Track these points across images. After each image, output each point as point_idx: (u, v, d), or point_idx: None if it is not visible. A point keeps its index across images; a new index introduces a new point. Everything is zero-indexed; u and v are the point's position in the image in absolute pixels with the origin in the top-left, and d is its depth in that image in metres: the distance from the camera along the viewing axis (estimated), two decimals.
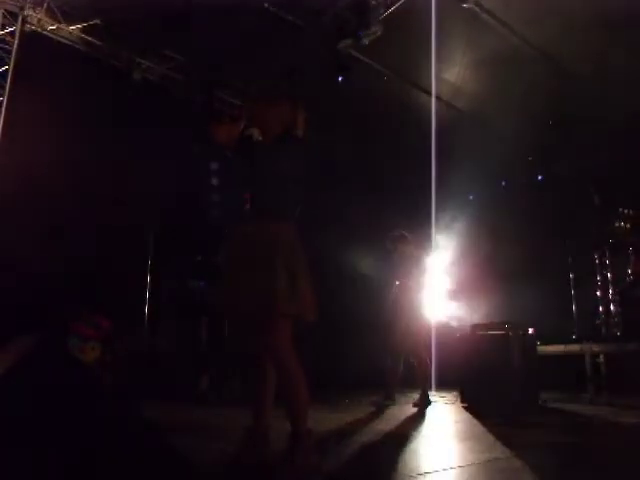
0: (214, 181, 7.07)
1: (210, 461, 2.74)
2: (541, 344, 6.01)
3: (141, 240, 6.82)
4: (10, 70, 5.93)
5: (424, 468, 2.73)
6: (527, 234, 8.31)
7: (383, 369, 5.77)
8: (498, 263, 8.34)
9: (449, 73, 6.98)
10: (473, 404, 5.27)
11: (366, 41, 5.96)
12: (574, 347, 6.47)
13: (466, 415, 4.88)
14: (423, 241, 6.57)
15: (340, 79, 6.74)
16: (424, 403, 5.41)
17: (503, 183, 9.20)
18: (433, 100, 6.94)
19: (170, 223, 6.92)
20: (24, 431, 1.76)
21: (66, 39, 6.48)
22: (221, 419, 4.56)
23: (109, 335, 5.86)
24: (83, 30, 6.49)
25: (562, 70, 6.80)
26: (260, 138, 2.80)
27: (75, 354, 4.94)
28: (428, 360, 5.75)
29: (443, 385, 6.55)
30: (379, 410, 5.24)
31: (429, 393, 5.62)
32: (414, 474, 2.58)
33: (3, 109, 5.86)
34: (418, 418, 4.90)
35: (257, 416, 2.68)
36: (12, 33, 6.01)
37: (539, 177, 9.15)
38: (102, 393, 2.27)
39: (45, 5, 6.14)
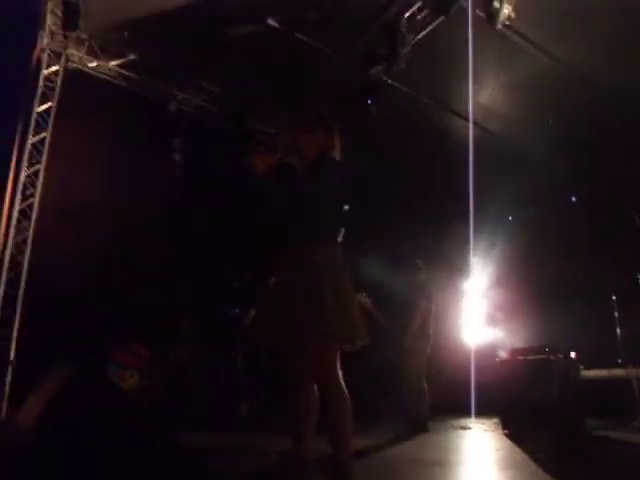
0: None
1: None
2: (584, 369, 5.83)
3: (179, 267, 6.92)
4: (54, 107, 6.17)
5: None
6: (565, 256, 8.13)
7: (408, 396, 5.52)
8: (537, 286, 8.18)
9: (481, 96, 6.96)
10: (514, 431, 5.13)
11: (397, 67, 6.00)
12: (619, 372, 6.26)
13: (507, 442, 4.76)
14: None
15: (369, 102, 6.77)
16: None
17: (535, 207, 9.03)
18: (470, 125, 6.90)
19: (207, 250, 7.00)
20: (71, 453, 1.80)
21: (105, 75, 6.73)
22: (260, 444, 4.54)
23: (148, 362, 5.93)
24: (121, 65, 6.73)
25: (595, 88, 6.71)
26: (298, 165, 2.82)
27: (115, 381, 5.01)
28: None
29: (482, 411, 6.40)
30: (415, 437, 5.10)
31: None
32: None
33: (46, 144, 6.08)
34: (458, 446, 4.80)
35: (298, 441, 2.66)
36: (56, 72, 6.27)
37: (573, 199, 8.97)
38: (141, 419, 2.31)
39: (86, 44, 6.40)
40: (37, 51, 6.17)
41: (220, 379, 6.68)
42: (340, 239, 2.74)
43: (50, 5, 5.86)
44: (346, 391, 2.54)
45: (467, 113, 7.40)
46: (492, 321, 8.69)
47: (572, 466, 3.63)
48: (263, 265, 6.55)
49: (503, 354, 5.96)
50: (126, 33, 6.26)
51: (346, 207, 2.77)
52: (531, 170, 7.79)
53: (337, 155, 2.85)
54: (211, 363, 6.72)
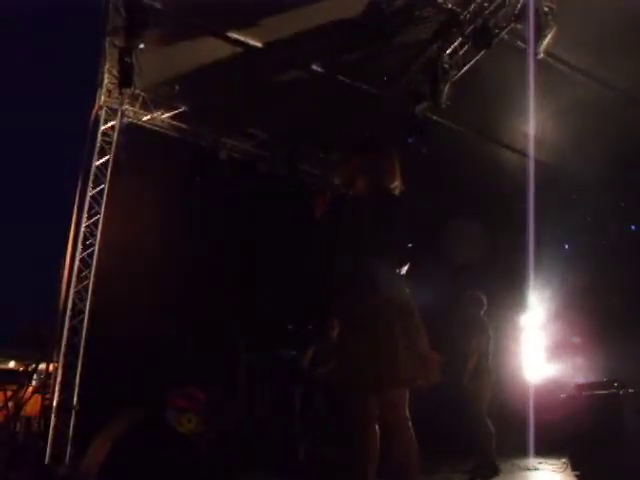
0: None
1: None
2: None
3: (233, 311, 7.01)
4: (111, 160, 6.48)
5: None
6: (627, 285, 7.80)
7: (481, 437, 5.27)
8: (599, 317, 7.85)
9: (529, 126, 6.88)
10: (585, 472, 4.85)
11: (441, 104, 6.02)
12: None
13: None
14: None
15: (409, 140, 6.76)
16: (487, 472, 4.97)
17: (593, 235, 8.72)
18: (531, 160, 6.81)
19: (263, 294, 7.07)
20: None
21: (158, 126, 7.03)
22: None
23: (204, 406, 5.98)
24: (172, 117, 7.02)
25: None
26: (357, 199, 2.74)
27: (172, 426, 5.06)
28: (490, 424, 5.22)
29: (547, 451, 6.08)
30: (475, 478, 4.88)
31: (493, 460, 5.10)
32: None
33: (105, 195, 6.36)
34: None
35: None
36: (112, 127, 6.60)
37: (632, 227, 8.63)
38: (198, 462, 2.32)
39: (140, 99, 6.73)
40: (95, 108, 6.53)
41: (278, 422, 6.64)
42: (403, 273, 2.65)
43: (107, 65, 6.22)
44: (413, 436, 2.47)
45: (516, 144, 7.32)
46: (553, 356, 8.35)
47: None
48: (318, 307, 6.61)
49: (568, 390, 5.70)
50: (177, 86, 6.55)
51: (408, 243, 2.68)
52: (586, 198, 7.59)
53: (398, 181, 2.77)
54: (268, 406, 6.70)
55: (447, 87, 5.96)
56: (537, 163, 7.59)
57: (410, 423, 2.47)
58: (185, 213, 6.87)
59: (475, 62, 5.91)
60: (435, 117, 6.81)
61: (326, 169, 7.40)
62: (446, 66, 5.96)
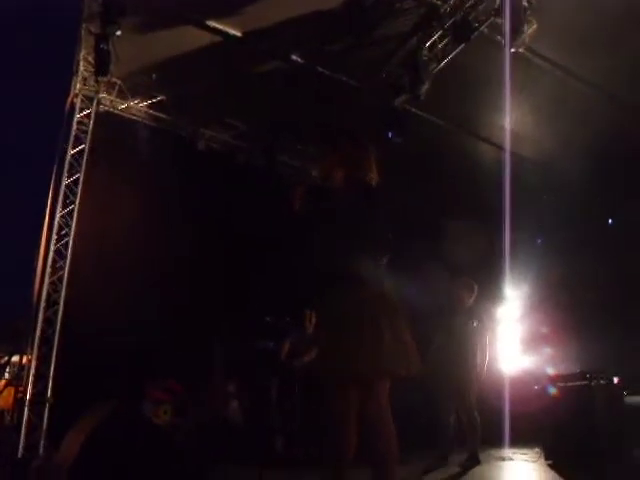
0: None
1: None
2: (628, 395, 5.62)
3: (212, 303, 6.96)
4: (86, 149, 6.37)
5: None
6: (603, 278, 7.94)
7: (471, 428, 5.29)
8: (574, 310, 7.98)
9: (508, 120, 6.93)
10: (558, 462, 4.95)
11: (421, 96, 6.03)
12: None
13: (552, 474, 4.59)
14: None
15: (390, 135, 6.77)
16: (471, 463, 5.03)
17: (569, 229, 8.85)
18: (507, 154, 6.87)
19: (240, 286, 7.03)
20: None
21: (135, 115, 6.93)
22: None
23: (180, 399, 5.95)
24: (150, 106, 6.93)
25: (624, 106, 6.63)
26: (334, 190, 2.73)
27: (148, 417, 5.03)
28: (477, 416, 5.25)
29: (520, 441, 6.17)
30: (464, 470, 4.93)
31: (476, 452, 5.13)
32: None
33: (80, 185, 6.26)
34: (502, 478, 4.64)
35: (337, 476, 2.59)
36: (88, 115, 6.49)
37: (609, 220, 8.78)
38: (174, 454, 2.30)
39: (117, 87, 6.62)
40: (71, 96, 6.41)
41: (254, 413, 6.63)
42: (384, 264, 2.65)
43: (83, 52, 6.10)
44: (393, 426, 2.48)
45: (494, 138, 7.38)
46: (529, 348, 8.48)
47: None
48: (296, 300, 6.60)
49: (542, 382, 5.78)
50: (154, 75, 6.46)
51: (388, 234, 2.68)
52: (563, 192, 7.69)
53: (375, 174, 2.76)
54: (245, 397, 6.69)
55: (427, 80, 5.98)
56: (515, 157, 7.67)
57: (390, 414, 2.49)
58: (162, 204, 6.78)
59: (455, 55, 5.94)
60: (414, 110, 6.83)
61: (304, 161, 7.38)
62: (426, 59, 5.98)
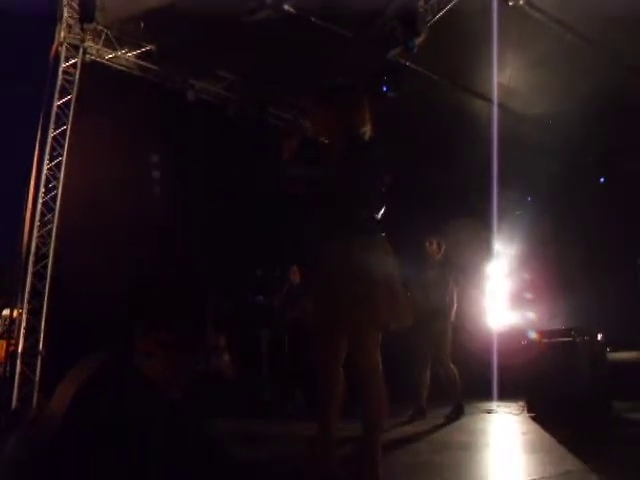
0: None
1: (276, 471, 2.75)
2: (611, 351, 5.75)
3: (203, 255, 6.96)
4: (73, 99, 6.21)
5: None
6: (593, 237, 8.00)
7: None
8: (563, 268, 8.08)
9: (502, 75, 6.83)
10: (541, 415, 5.09)
11: (415, 49, 5.90)
12: None
13: (534, 426, 4.72)
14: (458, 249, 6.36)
15: (385, 89, 6.68)
16: (455, 414, 5.19)
17: (561, 187, 8.85)
18: (495, 106, 6.80)
19: (231, 238, 7.01)
20: (99, 444, 1.83)
21: (123, 66, 6.75)
22: (285, 431, 4.58)
23: (173, 351, 6.00)
24: (138, 56, 6.74)
25: (622, 63, 6.52)
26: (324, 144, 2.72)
27: (141, 370, 5.08)
28: (454, 368, 5.42)
29: (507, 395, 6.35)
30: (448, 421, 5.08)
31: (460, 403, 5.30)
32: None
33: (67, 136, 6.13)
34: (484, 429, 4.78)
35: (323, 426, 2.66)
36: (74, 64, 6.30)
37: (602, 179, 8.78)
38: (168, 407, 2.33)
39: (103, 36, 6.42)
40: (55, 45, 6.21)
41: (245, 366, 6.74)
42: (379, 220, 2.65)
43: None
44: (382, 377, 2.53)
45: (488, 93, 7.28)
46: (516, 304, 8.61)
47: (600, 449, 3.59)
48: (288, 253, 6.61)
49: (529, 337, 5.89)
50: (142, 23, 6.26)
51: (382, 189, 2.67)
52: (558, 149, 7.65)
53: (369, 127, 2.73)
54: (236, 351, 6.77)
55: (422, 32, 5.84)
56: (509, 113, 7.60)
57: (381, 369, 2.53)
58: (152, 156, 6.69)
59: (451, 7, 5.79)
60: (408, 64, 6.69)
61: (296, 113, 7.25)
62: (422, 10, 5.83)
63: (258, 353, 6.86)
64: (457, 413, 5.22)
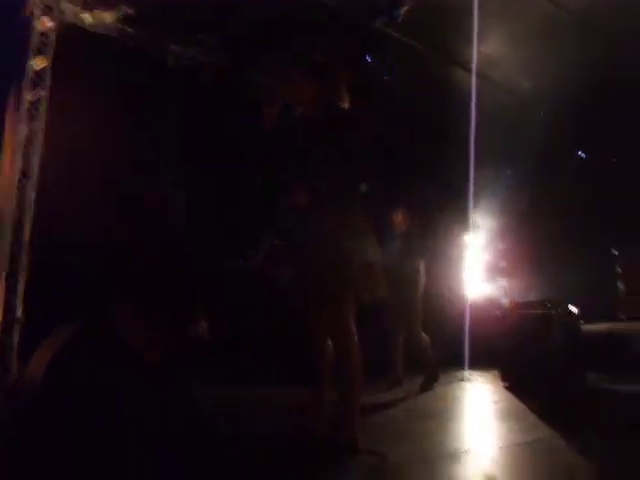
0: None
1: (261, 437, 2.81)
2: (585, 323, 5.89)
3: (179, 221, 6.91)
4: (49, 63, 6.04)
5: (466, 447, 2.74)
6: (570, 210, 8.10)
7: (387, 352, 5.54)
8: (539, 240, 8.18)
9: (486, 45, 6.79)
10: (514, 384, 5.22)
11: (400, 18, 5.84)
12: (619, 325, 6.31)
13: (507, 395, 4.84)
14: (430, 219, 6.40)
15: (369, 59, 6.63)
16: (429, 383, 5.29)
17: (540, 161, 8.91)
18: (474, 77, 6.77)
19: (207, 203, 6.96)
20: (75, 410, 1.83)
21: (101, 29, 6.57)
22: (268, 398, 4.63)
23: (157, 317, 5.99)
24: (117, 20, 6.56)
25: (606, 36, 6.51)
26: (302, 115, 2.72)
27: (120, 336, 5.07)
28: (427, 338, 5.46)
29: (481, 365, 6.50)
30: (422, 390, 5.17)
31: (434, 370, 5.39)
32: (457, 453, 2.59)
33: (44, 102, 5.99)
34: (458, 398, 4.89)
35: (314, 395, 2.71)
36: (50, 27, 6.10)
37: (580, 153, 8.86)
38: (149, 373, 2.34)
39: None
40: (29, 6, 6.01)
41: (222, 333, 6.74)
42: (358, 193, 2.68)
43: None
44: (357, 345, 2.57)
45: (470, 64, 7.25)
46: (494, 275, 8.73)
47: (570, 418, 3.70)
48: (265, 221, 6.59)
49: (504, 308, 6.00)
50: None
51: (360, 163, 2.68)
52: (538, 122, 7.67)
53: (345, 100, 2.73)
54: (213, 317, 6.77)
55: (407, 1, 5.77)
56: (490, 85, 7.58)
57: (355, 336, 2.58)
58: (130, 121, 6.56)
59: None
60: (392, 32, 6.62)
61: (278, 81, 7.16)
62: None
63: (235, 320, 6.87)
64: (430, 382, 5.30)
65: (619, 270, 7.44)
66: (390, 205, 5.81)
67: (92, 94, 6.07)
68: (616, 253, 7.38)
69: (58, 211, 5.91)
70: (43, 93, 5.98)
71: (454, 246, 8.48)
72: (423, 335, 5.46)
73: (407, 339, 5.52)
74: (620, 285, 7.31)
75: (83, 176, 6.11)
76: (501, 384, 5.41)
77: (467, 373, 6.26)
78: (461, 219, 8.36)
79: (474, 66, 6.83)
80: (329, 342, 2.72)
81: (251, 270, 6.82)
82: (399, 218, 5.70)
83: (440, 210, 7.72)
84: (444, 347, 5.81)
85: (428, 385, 5.26)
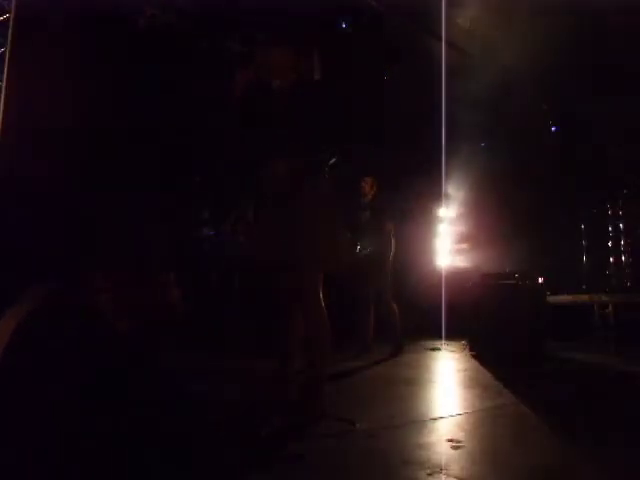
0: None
1: (232, 405, 2.82)
2: (550, 294, 6.03)
3: (149, 190, 6.78)
4: (12, 19, 5.79)
5: (433, 414, 2.79)
6: (538, 185, 8.20)
7: (356, 319, 5.61)
8: (508, 213, 8.29)
9: (461, 18, 6.75)
10: (481, 353, 5.34)
11: None
12: (583, 297, 6.48)
13: (474, 363, 4.95)
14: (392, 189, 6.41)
15: (344, 25, 6.53)
16: (395, 351, 5.36)
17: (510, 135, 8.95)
18: (444, 45, 6.73)
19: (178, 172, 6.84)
20: (40, 383, 1.80)
21: None
22: (238, 366, 4.64)
23: (126, 285, 5.91)
24: None
25: (580, 8, 6.51)
26: (276, 84, 2.71)
27: (89, 304, 5.00)
28: (396, 308, 5.51)
29: (451, 334, 6.63)
30: (389, 357, 5.24)
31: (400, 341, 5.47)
32: (423, 419, 2.64)
33: (6, 58, 5.75)
34: (426, 366, 4.98)
35: (282, 362, 2.72)
36: None
37: (553, 128, 8.94)
38: (117, 340, 2.31)
39: None
40: None
41: (196, 302, 6.71)
42: (328, 162, 2.67)
43: None
44: (325, 313, 2.59)
45: (450, 37, 7.20)
46: (464, 247, 8.84)
47: (534, 384, 3.81)
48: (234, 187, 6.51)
49: (473, 278, 6.09)
50: None
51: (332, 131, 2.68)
52: (512, 95, 7.69)
53: (318, 72, 2.72)
54: (185, 286, 6.72)
55: None
56: (464, 55, 7.54)
57: (322, 302, 2.59)
58: (99, 84, 6.35)
59: None
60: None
61: (252, 48, 7.01)
62: None
63: (209, 288, 6.84)
64: (397, 350, 5.38)
65: (585, 244, 7.60)
66: (359, 172, 5.77)
67: (59, 53, 5.84)
68: (582, 227, 7.53)
69: (24, 173, 5.73)
70: (4, 50, 5.75)
71: (425, 214, 8.54)
72: (393, 305, 5.51)
73: (377, 306, 5.57)
74: (585, 258, 7.48)
75: (50, 136, 5.91)
76: (470, 353, 5.53)
77: (437, 342, 6.37)
78: (433, 188, 8.39)
79: (444, 36, 6.78)
80: (298, 311, 2.73)
81: (220, 240, 6.78)
82: (368, 186, 5.66)
83: (410, 176, 7.68)
84: (416, 318, 5.88)
85: (395, 354, 5.33)
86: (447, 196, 8.62)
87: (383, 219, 5.57)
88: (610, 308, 6.47)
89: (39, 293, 2.13)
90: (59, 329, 2.05)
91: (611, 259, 7.32)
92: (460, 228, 8.88)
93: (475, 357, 5.30)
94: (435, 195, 8.52)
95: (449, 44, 7.27)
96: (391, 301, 5.50)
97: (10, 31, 5.75)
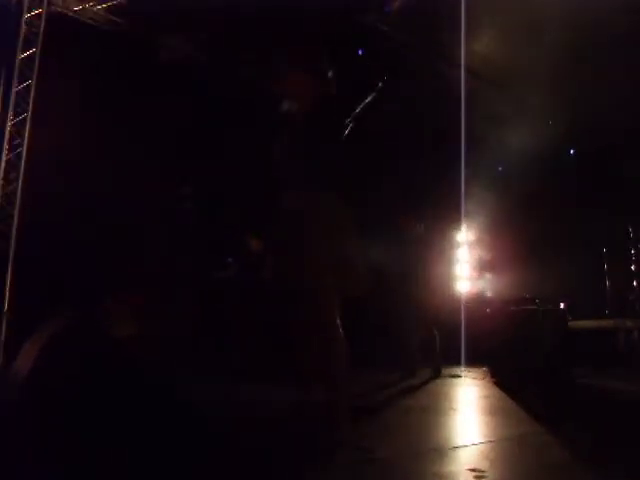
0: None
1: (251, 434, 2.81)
2: (573, 320, 5.92)
3: (169, 216, 6.87)
4: (37, 52, 5.97)
5: (455, 442, 2.74)
6: (559, 208, 8.13)
7: (404, 347, 5.72)
8: (529, 238, 8.21)
9: (477, 43, 6.79)
10: (503, 380, 5.24)
11: (392, 12, 5.83)
12: (607, 323, 6.36)
13: (496, 390, 4.86)
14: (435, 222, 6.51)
15: (360, 53, 6.63)
16: (435, 375, 5.55)
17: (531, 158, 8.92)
18: (463, 70, 6.77)
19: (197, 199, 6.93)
20: (63, 403, 1.82)
21: (91, 19, 6.50)
22: (257, 393, 4.61)
23: (143, 311, 5.95)
24: (107, 9, 6.49)
25: (600, 30, 6.51)
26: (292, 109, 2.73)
27: (109, 331, 5.04)
28: (436, 333, 5.74)
29: (472, 360, 6.53)
30: (406, 386, 5.20)
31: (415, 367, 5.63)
32: (445, 448, 2.59)
33: (32, 91, 5.92)
34: (447, 393, 4.90)
35: (303, 390, 2.70)
36: (38, 15, 6.03)
37: (571, 151, 8.89)
38: (136, 368, 2.33)
39: None
40: None
41: (213, 331, 6.73)
42: (341, 189, 2.68)
43: None
44: (343, 341, 2.57)
45: (461, 60, 7.25)
46: (484, 272, 8.75)
47: (556, 413, 3.72)
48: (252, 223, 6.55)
49: (495, 304, 6.03)
50: None
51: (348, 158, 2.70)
52: (529, 118, 7.69)
53: (332, 89, 2.75)
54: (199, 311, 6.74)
55: None
56: (482, 82, 7.58)
57: (340, 327, 2.57)
58: (120, 114, 6.48)
59: None
60: (383, 27, 6.60)
61: (268, 76, 7.12)
62: None
63: (226, 318, 6.84)
64: (436, 374, 5.58)
65: (606, 268, 7.49)
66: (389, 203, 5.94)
67: (80, 85, 6.00)
68: (604, 251, 7.42)
69: (46, 204, 5.84)
70: (30, 82, 5.91)
71: (446, 244, 8.50)
72: (435, 332, 5.72)
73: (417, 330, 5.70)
74: (607, 283, 7.36)
75: (72, 168, 6.04)
76: (491, 380, 5.44)
77: (459, 369, 6.29)
78: (456, 215, 8.38)
79: (462, 61, 6.83)
80: (316, 339, 2.71)
81: (232, 277, 6.80)
82: (409, 222, 5.79)
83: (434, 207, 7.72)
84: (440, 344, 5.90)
85: (435, 376, 5.52)
86: (466, 221, 8.58)
87: (420, 253, 5.65)
88: (636, 334, 6.33)
89: (61, 319, 2.18)
90: (79, 354, 2.08)
91: (634, 283, 7.18)
92: (479, 253, 8.81)
93: (497, 384, 5.20)
94: (454, 220, 8.49)
95: (463, 69, 7.32)
96: (432, 325, 5.56)
97: (36, 65, 5.91)
